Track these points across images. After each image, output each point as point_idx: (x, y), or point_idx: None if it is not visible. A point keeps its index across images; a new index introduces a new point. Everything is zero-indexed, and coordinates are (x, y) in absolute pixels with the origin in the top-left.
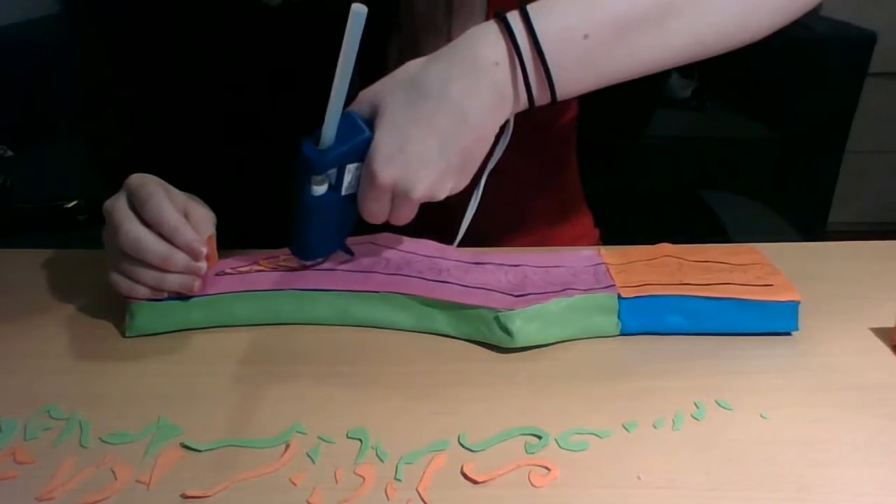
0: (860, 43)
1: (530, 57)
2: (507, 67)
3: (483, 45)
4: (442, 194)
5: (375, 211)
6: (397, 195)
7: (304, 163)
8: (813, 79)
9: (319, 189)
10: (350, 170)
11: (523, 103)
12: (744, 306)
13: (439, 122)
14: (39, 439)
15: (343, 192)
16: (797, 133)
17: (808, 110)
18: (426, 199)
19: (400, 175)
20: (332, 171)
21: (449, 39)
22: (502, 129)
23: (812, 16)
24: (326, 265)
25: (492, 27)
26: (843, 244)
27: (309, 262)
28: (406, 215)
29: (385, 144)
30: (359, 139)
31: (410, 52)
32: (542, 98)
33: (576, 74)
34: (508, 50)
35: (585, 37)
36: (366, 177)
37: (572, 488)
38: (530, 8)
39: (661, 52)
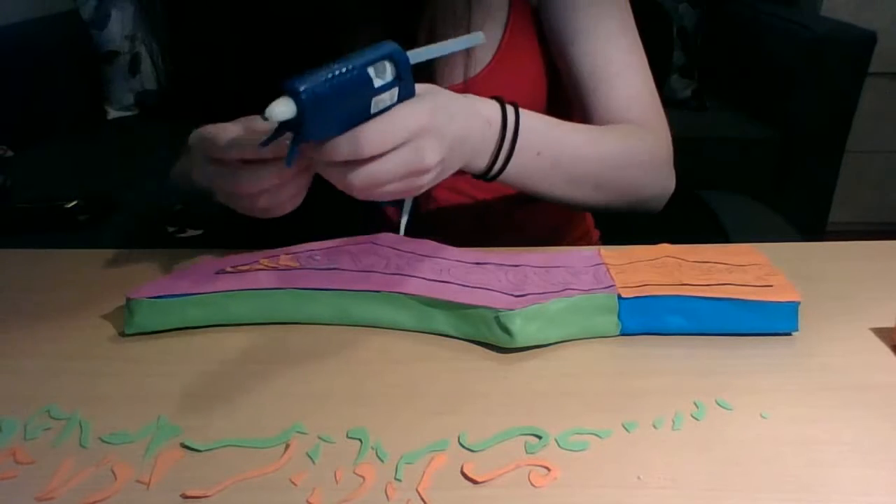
0: (860, 43)
1: (512, 131)
2: (498, 128)
3: (482, 105)
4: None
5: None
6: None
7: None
8: (813, 79)
9: (378, 80)
10: (392, 94)
11: (478, 166)
12: (744, 307)
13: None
14: (39, 439)
15: (372, 110)
16: (797, 133)
17: (808, 110)
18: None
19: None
20: (394, 80)
21: (468, 31)
22: None
23: (812, 16)
24: (324, 262)
25: (493, 101)
26: (843, 244)
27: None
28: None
29: (432, 113)
30: (410, 83)
31: (432, 41)
32: (491, 167)
33: (517, 167)
34: (501, 116)
35: (538, 154)
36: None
37: (572, 488)
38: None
39: (567, 198)
